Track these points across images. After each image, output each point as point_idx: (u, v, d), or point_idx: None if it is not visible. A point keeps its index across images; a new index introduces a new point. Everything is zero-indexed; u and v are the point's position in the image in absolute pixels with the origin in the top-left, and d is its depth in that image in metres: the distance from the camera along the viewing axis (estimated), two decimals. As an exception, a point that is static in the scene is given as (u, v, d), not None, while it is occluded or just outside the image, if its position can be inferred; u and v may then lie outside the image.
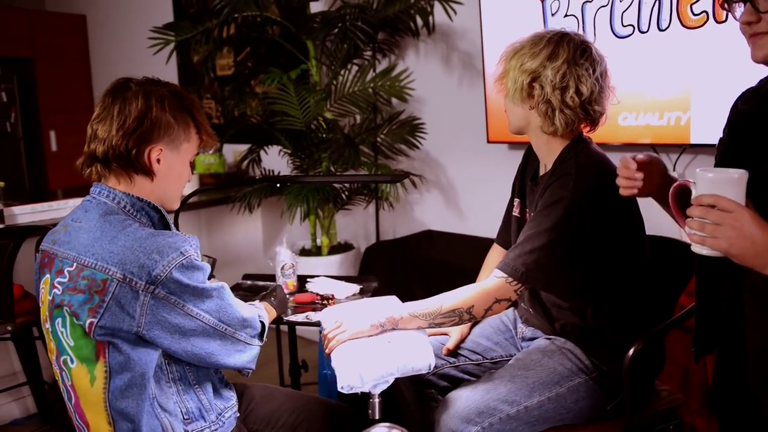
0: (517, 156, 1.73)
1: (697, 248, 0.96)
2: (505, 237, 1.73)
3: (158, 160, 1.25)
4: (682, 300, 1.67)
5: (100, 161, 1.24)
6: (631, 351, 1.37)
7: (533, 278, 1.39)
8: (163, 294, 1.16)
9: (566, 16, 2.42)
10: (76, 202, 2.41)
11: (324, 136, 3.09)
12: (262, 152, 3.31)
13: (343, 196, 3.21)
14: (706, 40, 2.07)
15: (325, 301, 1.89)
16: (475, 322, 1.71)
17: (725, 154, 1.12)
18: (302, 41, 3.15)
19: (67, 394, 1.27)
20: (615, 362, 1.43)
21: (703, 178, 0.96)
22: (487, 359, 1.66)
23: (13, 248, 2.19)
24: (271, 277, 2.09)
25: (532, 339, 1.61)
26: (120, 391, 1.20)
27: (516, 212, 1.65)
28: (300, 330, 2.74)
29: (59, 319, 1.21)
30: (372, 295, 1.91)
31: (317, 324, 1.66)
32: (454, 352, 1.65)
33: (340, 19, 2.95)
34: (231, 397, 1.39)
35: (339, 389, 1.34)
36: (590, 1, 2.35)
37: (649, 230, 1.53)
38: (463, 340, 1.67)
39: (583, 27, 2.38)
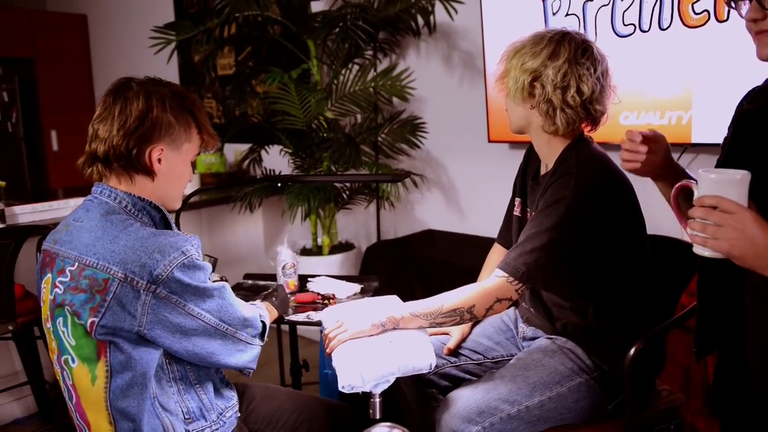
0: (518, 155, 1.73)
1: (698, 249, 0.96)
2: (506, 236, 1.72)
3: (159, 160, 1.25)
4: (683, 300, 1.67)
5: (101, 161, 1.24)
6: (632, 351, 1.37)
7: (534, 278, 1.39)
8: (164, 293, 1.16)
9: (567, 15, 2.42)
10: (77, 201, 2.42)
11: (325, 135, 3.08)
12: (263, 152, 3.31)
13: (344, 195, 3.20)
14: (708, 40, 2.06)
15: (326, 301, 1.89)
16: (476, 322, 1.71)
17: (730, 153, 1.11)
18: (303, 41, 3.15)
19: (68, 394, 1.27)
20: (616, 362, 1.43)
21: (705, 179, 0.96)
22: (488, 359, 1.65)
23: (14, 248, 2.20)
24: (272, 277, 2.09)
25: (533, 338, 1.61)
26: (121, 390, 1.20)
27: (517, 212, 1.65)
28: (301, 329, 2.75)
29: (60, 319, 1.21)
30: (373, 295, 1.91)
31: (318, 323, 1.66)
32: (455, 352, 1.65)
33: (341, 18, 2.95)
34: (232, 397, 1.39)
35: (340, 389, 1.34)
36: (591, 0, 2.35)
37: (651, 230, 1.53)
38: (464, 340, 1.67)
39: (584, 26, 2.38)
